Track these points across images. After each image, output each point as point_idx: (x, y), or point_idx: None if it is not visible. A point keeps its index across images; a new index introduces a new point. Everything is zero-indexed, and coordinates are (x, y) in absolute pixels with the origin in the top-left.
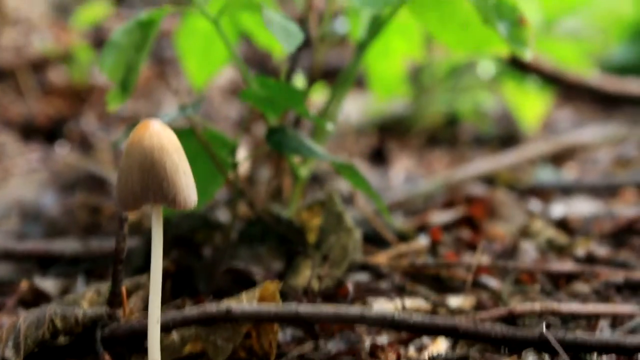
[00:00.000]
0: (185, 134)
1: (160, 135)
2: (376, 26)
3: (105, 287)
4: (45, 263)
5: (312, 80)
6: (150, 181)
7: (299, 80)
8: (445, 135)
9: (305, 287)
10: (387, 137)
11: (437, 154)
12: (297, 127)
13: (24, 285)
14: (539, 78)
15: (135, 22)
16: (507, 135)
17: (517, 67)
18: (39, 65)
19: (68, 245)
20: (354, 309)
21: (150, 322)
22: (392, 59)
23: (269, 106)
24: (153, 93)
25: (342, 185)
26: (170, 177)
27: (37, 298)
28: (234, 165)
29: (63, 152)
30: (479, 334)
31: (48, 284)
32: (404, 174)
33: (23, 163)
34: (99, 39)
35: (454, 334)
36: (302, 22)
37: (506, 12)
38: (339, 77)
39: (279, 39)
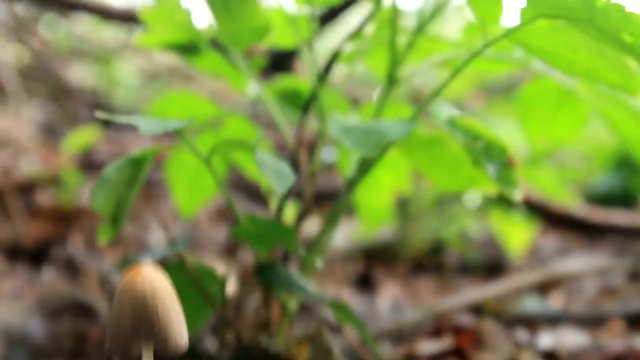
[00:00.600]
0: (175, 268)
1: (152, 279)
2: (366, 165)
3: None
4: None
5: (302, 215)
6: (142, 324)
7: (290, 210)
8: (432, 262)
9: None
10: (373, 263)
11: (423, 281)
12: (285, 260)
13: None
14: (525, 208)
15: (126, 159)
16: (493, 263)
17: (504, 197)
18: (27, 188)
19: None
20: None
21: None
22: (380, 192)
23: (258, 243)
24: (140, 215)
25: (330, 313)
26: (162, 321)
27: None
28: (224, 301)
29: (49, 277)
30: None
31: None
32: (391, 301)
33: (9, 286)
34: (87, 162)
35: None
36: (293, 156)
37: (495, 153)
38: (329, 212)
39: (271, 180)
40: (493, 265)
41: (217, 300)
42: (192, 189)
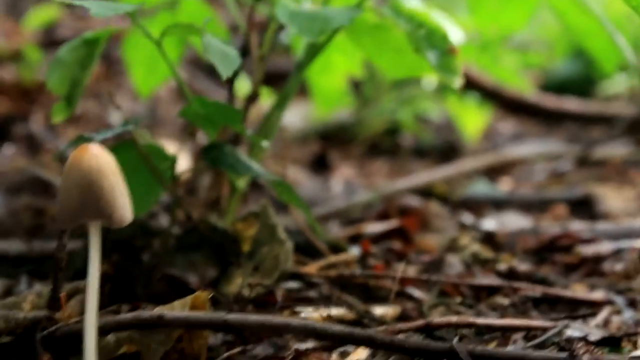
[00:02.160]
0: (127, 146)
1: (98, 158)
2: (314, 49)
3: (46, 290)
4: None
5: (252, 97)
6: (88, 200)
7: (243, 86)
8: (387, 145)
9: (237, 295)
10: (329, 145)
11: (377, 164)
12: (236, 142)
13: None
14: (480, 93)
15: (80, 40)
16: (448, 146)
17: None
18: None
19: (12, 246)
20: (279, 319)
21: (86, 326)
22: (332, 75)
23: (207, 124)
24: (101, 92)
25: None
26: (106, 197)
27: None
28: (174, 178)
29: (9, 154)
30: (394, 345)
31: None
32: (344, 183)
33: None
34: (49, 40)
35: (370, 344)
36: (244, 38)
37: (437, 41)
38: (279, 92)
39: (217, 64)
40: (447, 149)
41: (167, 178)
42: (148, 70)
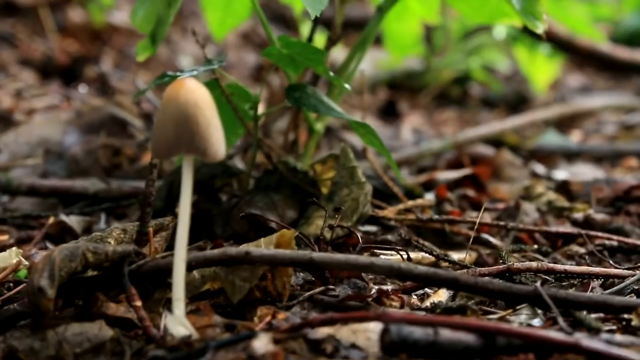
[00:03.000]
0: (210, 85)
1: (194, 92)
2: None
3: (130, 226)
4: (67, 200)
5: (332, 40)
6: (184, 134)
7: (319, 39)
8: (456, 95)
9: (317, 236)
10: (397, 93)
11: (446, 113)
12: (314, 84)
13: (51, 220)
14: (551, 43)
15: None
16: (517, 97)
17: (530, 32)
18: (58, 4)
19: (90, 184)
20: (364, 258)
21: (176, 261)
22: (408, 21)
23: (290, 64)
24: (171, 38)
25: (354, 139)
26: (202, 131)
27: (62, 233)
28: (256, 118)
29: (84, 94)
30: (477, 287)
31: (72, 220)
32: (413, 131)
33: (43, 102)
34: None
35: (454, 286)
36: None
37: None
38: (359, 39)
39: (305, 3)
40: (516, 100)
41: (248, 118)
42: (224, 11)
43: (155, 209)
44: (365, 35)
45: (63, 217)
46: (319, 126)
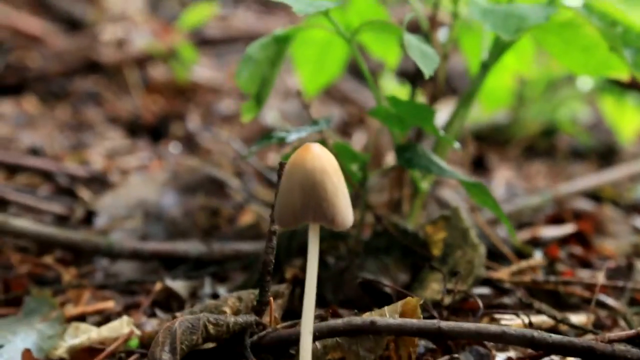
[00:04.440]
0: None
1: (321, 157)
2: (500, 48)
3: (245, 294)
4: (169, 263)
5: (435, 96)
6: (311, 201)
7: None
8: (543, 146)
9: (434, 301)
10: (484, 146)
11: (535, 165)
12: (418, 142)
13: (157, 286)
14: (638, 93)
15: (271, 38)
16: (604, 148)
17: (616, 82)
18: (141, 63)
19: (191, 247)
20: (495, 327)
21: (303, 333)
22: (503, 75)
23: (397, 124)
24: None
25: (447, 194)
26: (330, 198)
27: (168, 298)
28: (364, 180)
29: (177, 152)
30: (615, 357)
31: (178, 285)
32: (505, 186)
33: (135, 161)
34: (199, 38)
35: (590, 355)
36: (426, 38)
37: (633, 39)
38: (462, 95)
39: (418, 62)
40: (604, 150)
41: (356, 179)
42: (317, 67)
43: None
44: (471, 91)
45: (168, 283)
46: (425, 185)
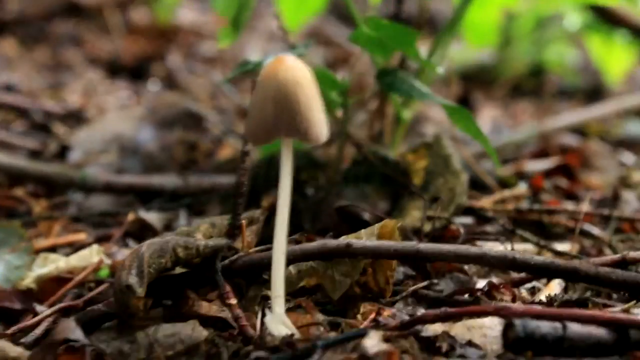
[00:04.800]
0: None
1: (295, 69)
2: None
3: (218, 220)
4: (145, 197)
5: (418, 26)
6: (284, 114)
7: None
8: (530, 86)
9: (414, 228)
10: (470, 86)
11: (521, 105)
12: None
13: (130, 217)
14: (627, 31)
15: None
16: (592, 88)
17: (605, 20)
18: (123, 4)
19: (167, 180)
20: (475, 249)
21: (276, 254)
22: (489, 9)
23: (379, 48)
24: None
25: (430, 129)
26: (303, 111)
27: (142, 230)
28: (344, 106)
29: (156, 89)
30: (599, 278)
31: (152, 216)
32: (491, 123)
33: (113, 99)
34: None
35: (573, 276)
36: None
37: None
38: (445, 26)
39: None
40: (592, 91)
41: (336, 106)
42: (298, 4)
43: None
44: (452, 22)
45: (142, 214)
46: (407, 114)
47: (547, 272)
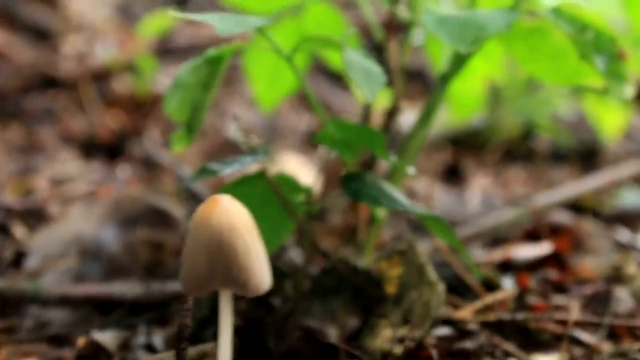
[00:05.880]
0: (255, 178)
1: (230, 212)
2: (461, 59)
3: (166, 356)
4: (104, 308)
5: (392, 112)
6: (218, 265)
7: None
8: (522, 150)
9: (385, 351)
10: (461, 151)
11: (513, 171)
12: (371, 166)
13: (80, 341)
14: None
15: (203, 59)
16: (587, 149)
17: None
18: (102, 76)
19: (129, 288)
20: None
21: None
22: (472, 81)
23: (345, 148)
24: (219, 103)
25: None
26: (241, 260)
27: (96, 353)
28: (310, 214)
29: (125, 177)
30: None
31: (107, 337)
32: (481, 194)
33: (84, 187)
34: (164, 48)
35: None
36: (380, 50)
37: (604, 45)
38: (422, 109)
39: (359, 83)
40: (586, 152)
41: (300, 212)
42: (271, 83)
43: (200, 317)
44: (430, 106)
45: (96, 335)
46: (381, 213)
47: None
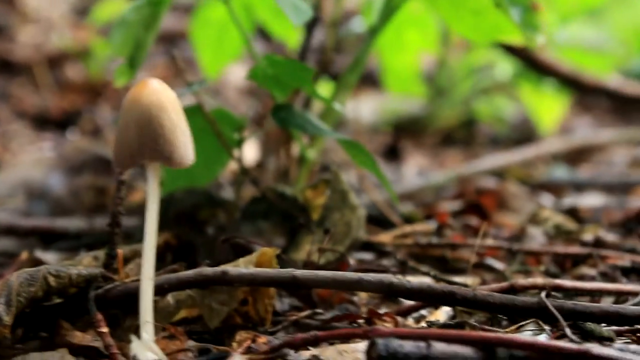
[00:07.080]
0: (193, 111)
1: (159, 93)
2: (389, 10)
3: (102, 253)
4: (48, 239)
5: (324, 63)
6: (147, 138)
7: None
8: (461, 136)
9: (305, 260)
10: (401, 136)
11: (451, 153)
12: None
13: (23, 256)
14: (556, 80)
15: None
16: (524, 138)
17: (534, 68)
18: (57, 61)
19: (72, 223)
20: (351, 274)
21: (143, 279)
22: (406, 53)
23: (276, 85)
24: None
25: (352, 176)
26: (167, 134)
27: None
28: (240, 143)
29: (73, 137)
30: (476, 301)
31: (49, 256)
32: (417, 170)
33: (34, 150)
34: None
35: (450, 300)
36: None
37: None
38: (353, 59)
39: (288, 13)
40: (523, 141)
41: (234, 144)
42: (216, 48)
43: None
44: (357, 58)
45: (38, 253)
46: (311, 153)
47: (425, 297)
